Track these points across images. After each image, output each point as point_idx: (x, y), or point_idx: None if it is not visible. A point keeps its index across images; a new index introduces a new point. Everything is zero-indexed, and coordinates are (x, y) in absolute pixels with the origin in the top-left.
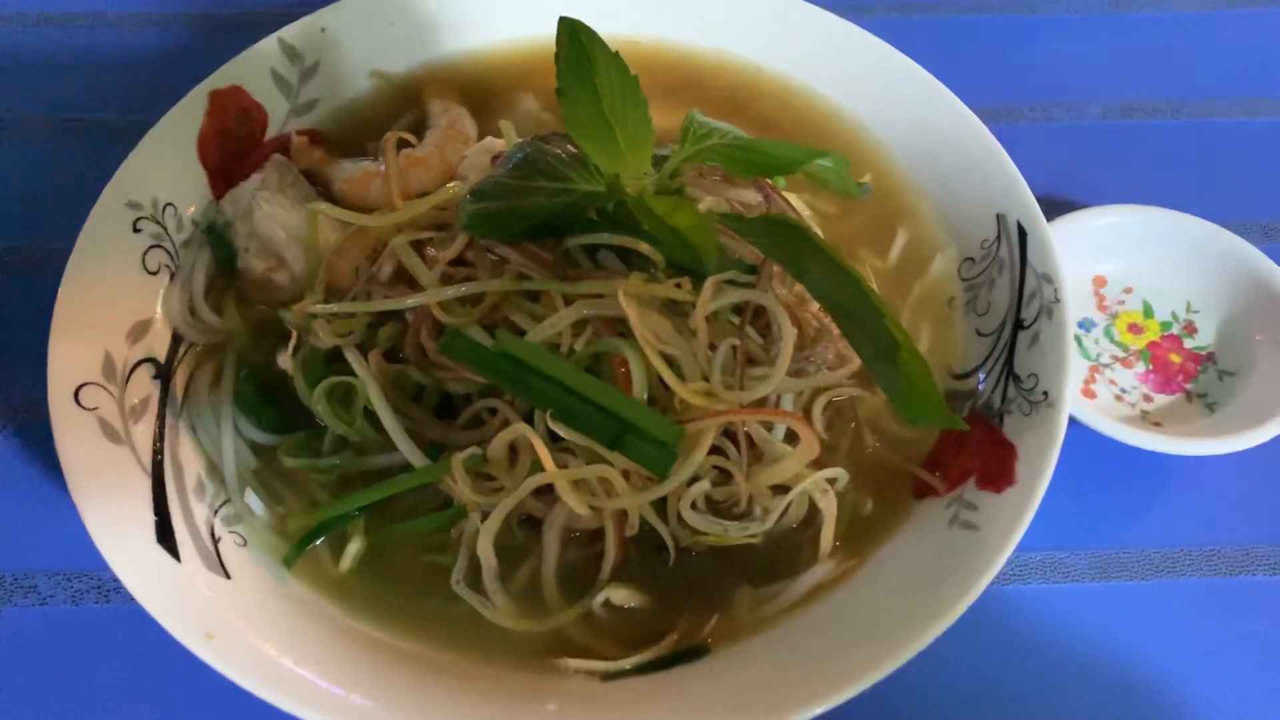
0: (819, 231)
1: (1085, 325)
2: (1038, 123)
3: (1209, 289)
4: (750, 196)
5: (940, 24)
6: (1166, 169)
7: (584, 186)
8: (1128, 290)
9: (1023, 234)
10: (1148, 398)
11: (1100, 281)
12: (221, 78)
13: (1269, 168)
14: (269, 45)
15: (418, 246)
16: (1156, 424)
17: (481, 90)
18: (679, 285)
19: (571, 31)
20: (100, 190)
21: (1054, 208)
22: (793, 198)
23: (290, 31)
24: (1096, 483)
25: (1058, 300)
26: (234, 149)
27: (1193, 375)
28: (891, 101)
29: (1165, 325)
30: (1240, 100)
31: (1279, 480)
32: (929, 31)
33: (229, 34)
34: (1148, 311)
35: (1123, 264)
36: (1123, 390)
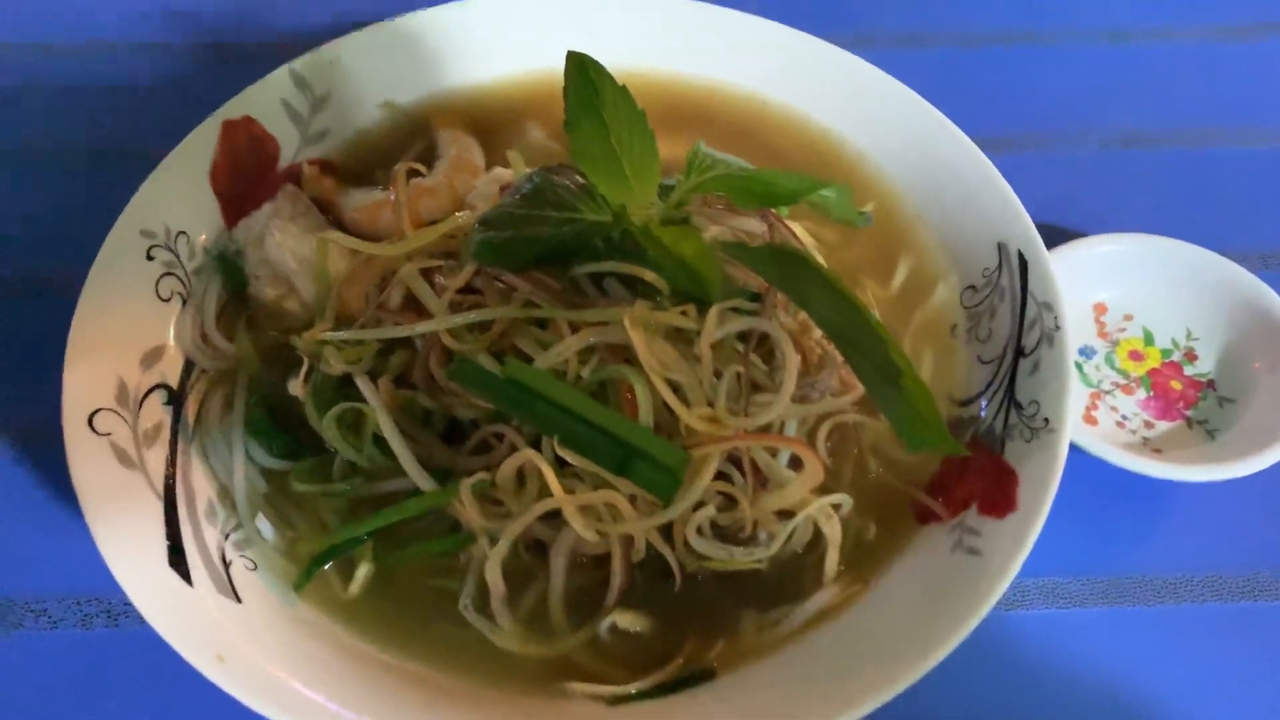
0: (822, 260)
1: (1086, 352)
2: (1038, 152)
3: (1209, 317)
4: (754, 225)
5: (942, 55)
6: (1166, 198)
7: (591, 216)
8: (1128, 318)
9: (1023, 263)
10: (1149, 424)
11: (1101, 309)
12: (234, 108)
13: (1267, 197)
14: (280, 76)
15: (427, 274)
16: (1157, 450)
17: (490, 121)
18: (684, 313)
19: (580, 66)
20: (114, 218)
21: (1055, 236)
22: (796, 226)
23: (302, 63)
24: (1098, 509)
25: (1058, 328)
26: (246, 178)
27: (1193, 402)
28: (894, 132)
29: (1166, 352)
30: (1238, 130)
31: (1279, 506)
32: (931, 62)
33: (240, 64)
34: (1148, 339)
35: (1123, 292)
36: (1124, 417)
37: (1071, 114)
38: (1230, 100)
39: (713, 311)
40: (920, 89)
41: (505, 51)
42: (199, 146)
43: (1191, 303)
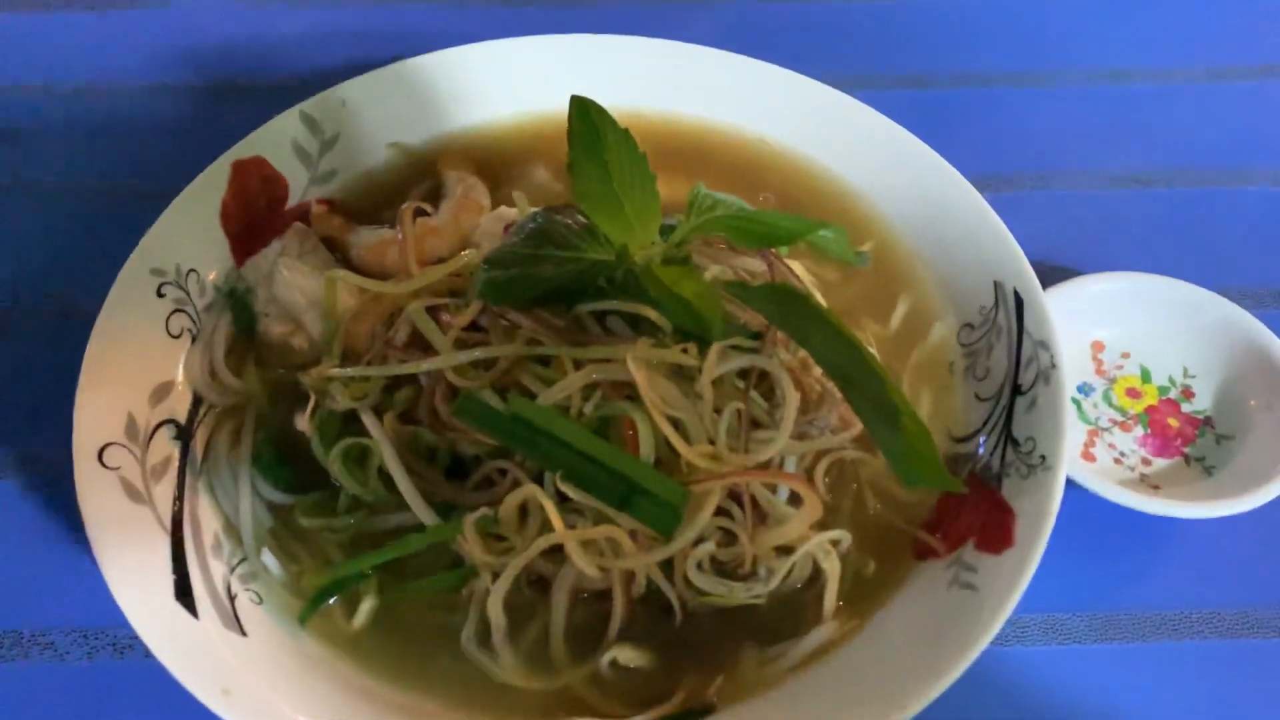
0: (821, 298)
1: (1084, 389)
2: (1036, 191)
3: (1205, 354)
4: (754, 264)
5: (939, 96)
6: (1162, 237)
7: (594, 255)
8: (1125, 355)
9: (1019, 302)
10: (1146, 461)
11: (1098, 346)
12: (245, 148)
13: (1261, 235)
14: (290, 117)
15: (432, 312)
16: (1155, 487)
17: (495, 161)
18: (685, 350)
19: (583, 109)
20: (125, 255)
21: (1052, 274)
22: (795, 265)
23: (312, 104)
24: (1097, 545)
25: (1054, 366)
26: (255, 217)
27: (1190, 439)
28: (891, 172)
29: (1163, 390)
30: (1233, 170)
31: (1277, 543)
32: (928, 103)
33: (251, 105)
34: (1145, 376)
35: (1120, 330)
36: (1122, 454)
37: (1069, 154)
38: (1226, 141)
39: (713, 349)
40: (918, 130)
41: (510, 94)
42: (210, 185)
43: (1189, 341)
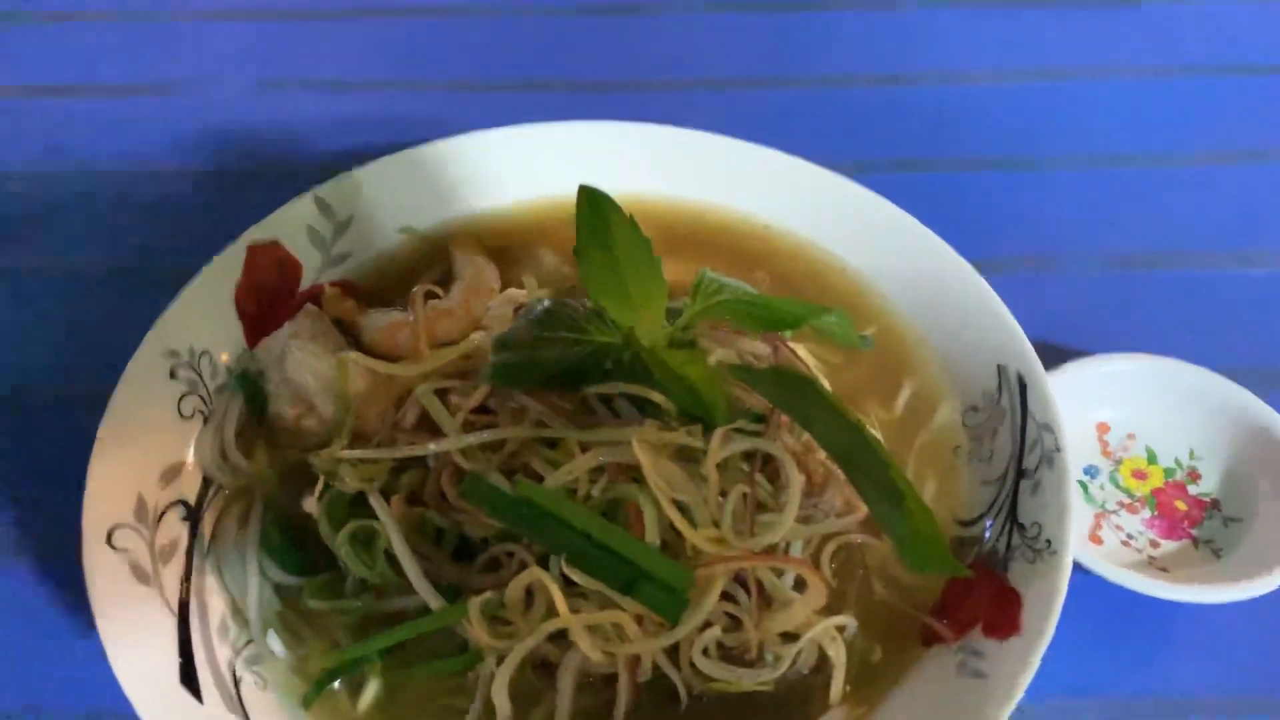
0: (826, 381)
1: (1090, 471)
2: (1039, 274)
3: (1211, 436)
4: (759, 348)
5: (942, 181)
6: (1165, 318)
7: (601, 339)
8: (1130, 437)
9: (1023, 385)
10: (1154, 543)
11: (1103, 428)
12: (260, 231)
13: (1266, 317)
14: (305, 202)
15: (441, 394)
16: (1164, 570)
17: (504, 245)
18: (690, 433)
19: (591, 199)
20: (139, 338)
21: (1056, 355)
22: (800, 348)
23: (326, 189)
24: (1106, 629)
25: (1058, 449)
26: (269, 299)
27: (1198, 521)
28: (894, 256)
29: (1169, 472)
30: (1235, 251)
31: None
32: (930, 187)
33: (263, 187)
34: (1151, 458)
35: (1125, 411)
36: (1129, 536)
37: (1070, 236)
38: (1226, 222)
39: (718, 433)
40: (920, 213)
41: (519, 179)
42: (225, 268)
43: (1193, 422)
